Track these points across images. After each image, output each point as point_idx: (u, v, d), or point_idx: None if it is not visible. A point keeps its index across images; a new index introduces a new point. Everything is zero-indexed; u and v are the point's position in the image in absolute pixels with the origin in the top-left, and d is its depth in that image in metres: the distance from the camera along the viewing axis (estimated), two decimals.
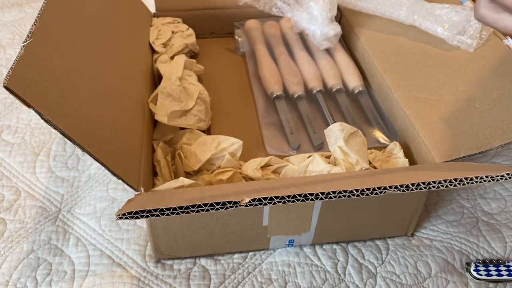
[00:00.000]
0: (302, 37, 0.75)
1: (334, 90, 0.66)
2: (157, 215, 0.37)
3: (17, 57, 0.37)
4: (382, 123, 0.62)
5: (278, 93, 0.65)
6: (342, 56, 0.71)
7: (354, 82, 0.67)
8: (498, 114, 0.54)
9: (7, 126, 0.69)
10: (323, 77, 0.68)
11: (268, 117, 0.64)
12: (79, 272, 0.51)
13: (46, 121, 0.37)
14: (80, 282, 0.51)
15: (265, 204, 0.37)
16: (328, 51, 0.72)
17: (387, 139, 0.60)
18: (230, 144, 0.54)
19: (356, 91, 0.66)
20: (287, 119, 0.62)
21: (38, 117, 0.37)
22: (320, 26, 0.67)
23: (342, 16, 0.78)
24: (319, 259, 0.53)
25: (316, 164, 0.52)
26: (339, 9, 0.76)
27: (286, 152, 0.59)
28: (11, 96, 0.36)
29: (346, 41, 0.76)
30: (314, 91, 0.66)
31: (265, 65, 0.69)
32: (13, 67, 0.36)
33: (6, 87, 0.35)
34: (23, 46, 0.38)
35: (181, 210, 0.36)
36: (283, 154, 0.58)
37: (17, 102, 0.71)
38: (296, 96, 0.65)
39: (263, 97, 0.67)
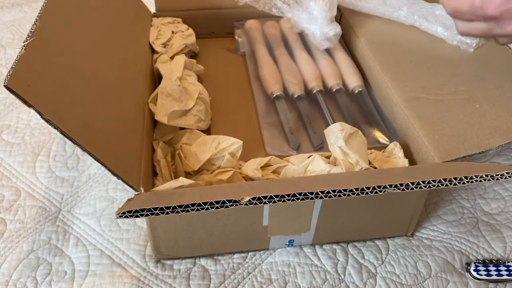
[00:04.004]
0: (302, 37, 0.75)
1: (334, 90, 0.66)
2: (157, 214, 0.37)
3: (17, 57, 0.37)
4: (382, 123, 0.62)
5: (278, 93, 0.65)
6: (342, 56, 0.71)
7: (354, 82, 0.67)
8: (498, 114, 0.54)
9: (7, 126, 0.69)
10: (323, 77, 0.68)
11: (268, 117, 0.64)
12: (79, 272, 0.51)
13: (46, 120, 0.37)
14: (80, 282, 0.51)
15: (265, 203, 0.37)
16: (328, 51, 0.72)
17: (387, 139, 0.60)
18: (230, 144, 0.54)
19: (356, 91, 0.66)
20: (287, 119, 0.62)
21: (38, 117, 0.37)
22: (320, 26, 0.68)
23: (342, 16, 0.78)
24: (319, 259, 0.53)
25: (316, 164, 0.52)
26: (339, 9, 0.76)
27: (286, 152, 0.59)
28: (11, 96, 0.36)
29: (346, 41, 0.76)
30: (314, 91, 0.66)
31: (265, 65, 0.69)
32: (13, 66, 0.36)
33: (6, 87, 0.35)
34: (24, 46, 0.39)
35: (181, 209, 0.36)
36: (283, 154, 0.58)
37: (17, 102, 0.71)
38: (296, 96, 0.65)
39: (263, 97, 0.67)
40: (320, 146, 0.59)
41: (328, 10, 0.66)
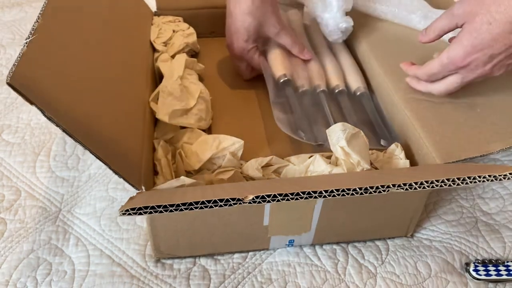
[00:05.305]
0: (308, 33, 0.74)
1: (336, 91, 0.66)
2: (160, 211, 0.37)
3: (20, 54, 0.37)
4: (383, 126, 0.62)
5: (287, 78, 0.64)
6: (345, 58, 0.71)
7: (356, 83, 0.66)
8: (499, 118, 0.54)
9: (7, 126, 0.69)
10: (326, 76, 0.68)
11: (277, 98, 0.63)
12: (79, 272, 0.51)
13: (48, 118, 0.37)
14: (80, 282, 0.50)
15: (269, 201, 0.37)
16: (331, 51, 0.72)
17: (388, 142, 0.60)
18: (231, 143, 0.54)
19: (358, 93, 0.66)
20: (297, 103, 0.62)
21: (38, 117, 0.37)
22: (334, 15, 0.67)
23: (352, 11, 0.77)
24: (319, 259, 0.53)
25: (317, 165, 0.52)
26: None
27: (295, 133, 0.58)
28: (12, 96, 0.36)
29: (348, 42, 0.76)
30: (318, 91, 0.65)
31: (276, 51, 0.67)
32: (15, 64, 0.36)
33: (9, 84, 0.35)
34: (26, 43, 0.38)
35: (185, 207, 0.36)
36: (292, 135, 0.58)
37: (17, 102, 0.71)
38: (301, 90, 0.64)
39: (272, 80, 0.65)
40: (320, 145, 0.59)
41: (345, 1, 0.66)
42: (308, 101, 0.64)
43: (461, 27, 0.51)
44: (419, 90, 0.58)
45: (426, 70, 0.55)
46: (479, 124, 0.54)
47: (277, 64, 0.66)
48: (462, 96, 0.57)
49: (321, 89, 0.65)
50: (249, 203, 0.37)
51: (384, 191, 0.38)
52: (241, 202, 0.37)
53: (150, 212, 0.36)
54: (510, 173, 0.39)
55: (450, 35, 0.55)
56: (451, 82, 0.54)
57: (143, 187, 0.46)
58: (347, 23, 0.68)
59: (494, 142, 0.51)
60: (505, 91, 0.57)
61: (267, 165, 0.54)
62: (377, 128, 0.62)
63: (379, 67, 0.65)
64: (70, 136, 0.39)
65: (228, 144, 0.53)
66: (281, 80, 0.64)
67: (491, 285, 0.51)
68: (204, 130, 0.59)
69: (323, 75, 0.67)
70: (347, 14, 0.69)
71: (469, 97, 0.57)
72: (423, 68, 0.55)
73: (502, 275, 0.51)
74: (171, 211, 0.36)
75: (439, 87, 0.55)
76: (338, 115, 0.64)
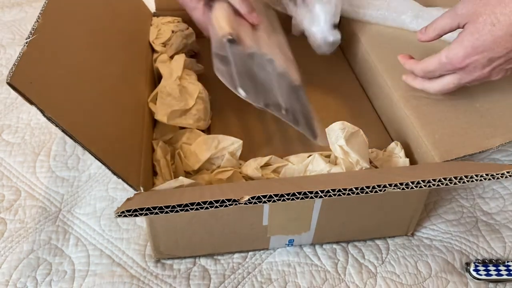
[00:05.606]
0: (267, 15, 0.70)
1: (279, 71, 0.60)
2: (156, 213, 0.37)
3: (20, 54, 0.37)
4: (310, 121, 0.58)
5: (232, 38, 0.57)
6: (289, 53, 0.66)
7: (294, 76, 0.61)
8: (498, 113, 0.54)
9: (7, 126, 0.69)
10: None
11: (220, 51, 0.57)
12: (79, 272, 0.51)
13: (48, 118, 0.37)
14: (80, 282, 0.51)
15: (265, 202, 0.37)
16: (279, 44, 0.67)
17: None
18: (230, 143, 0.54)
19: (296, 84, 0.60)
20: (240, 61, 0.57)
21: (38, 117, 0.37)
22: (321, 29, 0.67)
23: (342, 17, 0.77)
24: (319, 259, 0.53)
25: (316, 164, 0.52)
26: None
27: (235, 90, 0.54)
28: (11, 96, 0.36)
29: (348, 41, 0.76)
30: (266, 58, 0.59)
31: (222, 9, 0.61)
32: (16, 63, 0.36)
33: (9, 84, 0.35)
34: (26, 43, 0.38)
35: (180, 208, 0.36)
36: (232, 90, 0.54)
37: (17, 102, 0.71)
38: (251, 51, 0.58)
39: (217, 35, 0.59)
40: (263, 108, 0.55)
41: (333, 15, 0.65)
42: (254, 62, 0.58)
43: (463, 27, 0.50)
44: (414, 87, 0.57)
45: (423, 66, 0.54)
46: (478, 119, 0.53)
47: (222, 22, 0.59)
48: (460, 91, 0.56)
49: (269, 57, 0.59)
50: (245, 203, 0.37)
51: (380, 190, 0.38)
52: (237, 203, 0.37)
53: (146, 214, 0.36)
54: (507, 171, 0.39)
55: (450, 35, 0.55)
56: (448, 82, 0.53)
57: (141, 188, 0.46)
58: (334, 36, 0.67)
59: (493, 137, 0.51)
60: (504, 85, 0.57)
61: (266, 164, 0.54)
62: (307, 121, 0.58)
63: (378, 66, 0.65)
64: (70, 136, 0.39)
65: (227, 144, 0.54)
66: (225, 39, 0.56)
67: (491, 285, 0.51)
68: (203, 131, 0.59)
69: (270, 47, 0.61)
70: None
71: (469, 91, 0.56)
72: (420, 63, 0.54)
73: (502, 275, 0.51)
74: (166, 212, 0.36)
75: (435, 85, 0.54)
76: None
